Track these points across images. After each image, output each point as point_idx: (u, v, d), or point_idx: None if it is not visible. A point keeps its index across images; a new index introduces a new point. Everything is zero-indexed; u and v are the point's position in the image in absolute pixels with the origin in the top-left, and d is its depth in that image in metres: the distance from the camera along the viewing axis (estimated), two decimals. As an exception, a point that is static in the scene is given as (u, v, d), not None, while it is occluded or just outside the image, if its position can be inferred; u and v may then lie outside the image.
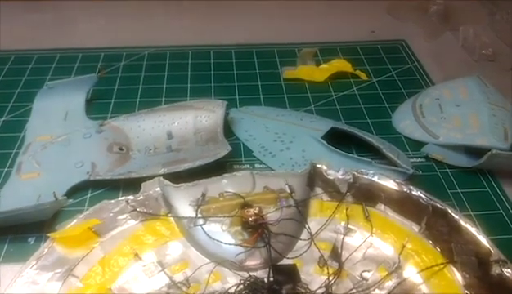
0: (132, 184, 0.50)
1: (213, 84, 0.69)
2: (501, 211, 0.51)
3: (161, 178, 0.49)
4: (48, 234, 0.44)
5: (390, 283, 0.42)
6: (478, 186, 0.54)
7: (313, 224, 0.46)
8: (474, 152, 0.55)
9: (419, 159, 0.57)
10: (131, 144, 0.57)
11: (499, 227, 0.49)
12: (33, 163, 0.54)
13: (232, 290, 0.40)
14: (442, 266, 0.42)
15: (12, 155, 0.56)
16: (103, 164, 0.54)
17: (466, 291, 0.40)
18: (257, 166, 0.56)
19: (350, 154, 0.55)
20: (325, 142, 0.55)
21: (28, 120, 0.61)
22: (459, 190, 0.53)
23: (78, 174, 0.52)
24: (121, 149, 0.56)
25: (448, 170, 0.55)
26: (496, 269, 0.41)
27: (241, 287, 0.40)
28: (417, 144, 0.59)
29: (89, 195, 0.51)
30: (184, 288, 0.41)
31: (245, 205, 0.46)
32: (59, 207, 0.48)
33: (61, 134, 0.58)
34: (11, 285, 0.40)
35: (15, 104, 0.64)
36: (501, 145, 0.53)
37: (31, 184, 0.52)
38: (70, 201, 0.50)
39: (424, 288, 0.41)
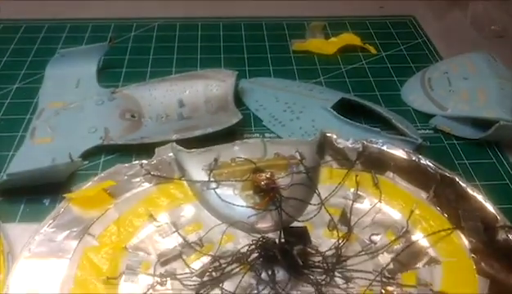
0: (144, 150, 0.51)
1: (222, 56, 0.70)
2: (507, 181, 0.52)
3: (174, 143, 0.50)
4: (64, 195, 0.45)
5: (398, 247, 0.42)
6: (485, 158, 0.54)
7: (323, 190, 0.47)
8: (481, 124, 0.55)
9: (427, 131, 0.58)
10: (143, 111, 0.58)
11: (505, 197, 0.49)
12: (46, 128, 0.55)
13: (244, 250, 0.41)
14: (449, 231, 0.43)
15: (26, 121, 0.57)
16: (116, 130, 0.54)
17: (473, 255, 0.41)
18: (267, 135, 0.56)
19: (359, 124, 0.55)
20: (334, 112, 0.56)
21: (40, 87, 0.62)
22: (466, 161, 0.54)
23: (91, 139, 0.53)
24: (133, 116, 0.57)
25: (456, 141, 0.56)
26: (501, 235, 0.42)
27: (253, 247, 0.41)
28: (425, 117, 0.59)
29: (102, 160, 0.52)
30: (197, 248, 0.42)
31: (257, 170, 0.47)
32: (74, 168, 0.49)
33: (74, 101, 0.59)
34: (30, 242, 0.41)
35: (27, 72, 0.65)
36: (509, 117, 0.53)
37: (45, 148, 0.52)
38: (86, 162, 0.51)
39: (431, 252, 0.42)
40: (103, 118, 0.56)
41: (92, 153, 0.53)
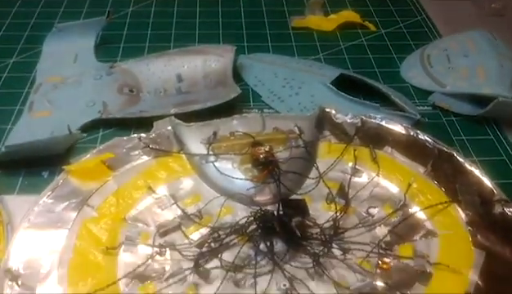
0: (143, 124, 0.51)
1: (221, 32, 0.69)
2: (504, 157, 0.52)
3: (172, 117, 0.50)
4: (63, 167, 0.45)
5: (395, 220, 0.43)
6: (483, 134, 0.54)
7: (321, 164, 0.47)
8: (480, 101, 0.55)
9: (426, 107, 0.58)
10: (141, 86, 0.57)
11: (502, 172, 0.50)
12: (44, 102, 0.55)
13: (243, 222, 0.42)
14: (446, 205, 0.43)
15: (24, 94, 0.57)
16: (114, 104, 0.54)
17: (469, 228, 0.42)
18: (265, 111, 0.56)
19: (358, 100, 0.55)
20: (333, 88, 0.56)
21: (38, 61, 0.61)
22: (464, 137, 0.54)
23: (89, 112, 0.53)
24: (131, 91, 0.57)
25: (454, 118, 0.56)
26: (498, 208, 0.43)
27: (251, 218, 0.42)
28: (424, 93, 0.59)
29: (101, 133, 0.52)
30: (196, 220, 0.42)
31: (255, 144, 0.47)
32: (73, 140, 0.49)
33: (72, 75, 0.59)
34: (29, 213, 0.41)
35: (24, 46, 0.65)
36: (507, 94, 0.53)
37: (43, 121, 0.52)
38: (84, 135, 0.51)
39: (428, 225, 0.42)
40: (101, 93, 0.56)
41: (90, 127, 0.52)
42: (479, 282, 0.38)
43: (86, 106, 0.54)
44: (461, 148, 0.52)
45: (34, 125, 0.52)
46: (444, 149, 0.47)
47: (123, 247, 0.40)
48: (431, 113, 0.57)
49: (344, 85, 0.57)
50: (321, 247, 0.41)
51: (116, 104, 0.54)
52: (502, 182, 0.47)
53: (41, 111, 0.54)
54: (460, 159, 0.47)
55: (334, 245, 0.41)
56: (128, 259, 0.39)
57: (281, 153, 0.46)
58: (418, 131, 0.49)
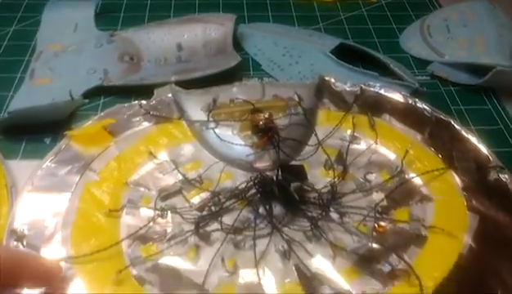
0: (143, 92, 0.51)
1: (221, 1, 0.69)
2: (501, 126, 0.52)
3: (173, 85, 0.50)
4: (65, 132, 0.45)
5: (392, 185, 0.43)
6: (480, 103, 0.55)
7: (320, 132, 0.47)
8: (479, 70, 0.56)
9: (425, 77, 0.58)
10: (141, 54, 0.57)
11: (498, 140, 0.50)
12: (45, 70, 0.55)
13: (243, 186, 0.42)
14: (442, 171, 0.44)
15: (24, 62, 0.57)
16: (115, 72, 0.55)
17: (464, 193, 0.42)
18: (265, 79, 0.56)
19: (358, 69, 0.56)
20: (333, 56, 0.56)
21: (38, 30, 0.61)
22: (461, 107, 0.54)
23: (90, 80, 0.53)
24: (132, 59, 0.57)
25: (452, 88, 0.57)
26: (493, 175, 0.43)
27: (251, 183, 0.42)
28: (423, 63, 0.60)
29: (102, 101, 0.53)
30: (197, 185, 0.43)
31: (255, 111, 0.47)
32: (75, 106, 0.50)
33: (72, 43, 0.59)
34: (32, 176, 0.42)
35: (24, 15, 0.65)
36: (505, 63, 0.54)
37: (44, 89, 0.53)
38: (86, 101, 0.51)
39: (424, 190, 0.43)
40: (102, 61, 0.56)
41: (91, 94, 0.53)
42: (473, 245, 0.39)
43: (87, 74, 0.54)
44: (459, 117, 0.53)
45: (36, 92, 0.52)
46: (442, 116, 0.48)
47: (125, 209, 0.41)
48: (430, 83, 0.57)
49: (344, 54, 0.58)
50: (319, 211, 0.41)
51: (117, 71, 0.55)
52: (498, 150, 0.48)
53: (42, 78, 0.54)
54: (458, 127, 0.47)
55: (331, 209, 0.42)
56: (130, 221, 0.40)
57: (281, 120, 0.47)
58: (416, 100, 0.50)
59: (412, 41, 0.62)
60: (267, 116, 0.46)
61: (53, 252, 0.37)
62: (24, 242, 0.38)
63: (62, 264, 0.36)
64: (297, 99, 0.49)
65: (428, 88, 0.56)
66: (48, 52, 0.57)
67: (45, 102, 0.50)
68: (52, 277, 0.34)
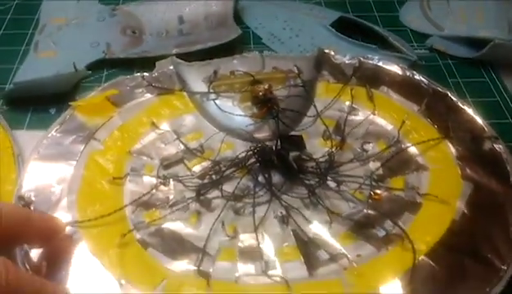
0: (145, 65, 0.52)
1: (222, -25, 0.69)
2: (498, 98, 0.53)
3: (174, 57, 0.51)
4: (69, 103, 0.46)
5: (388, 155, 0.45)
6: (478, 76, 0.56)
7: (319, 103, 0.48)
8: (477, 44, 0.56)
9: (424, 51, 0.58)
10: (143, 28, 0.58)
11: (494, 112, 0.51)
12: (49, 43, 0.56)
13: (243, 155, 0.44)
14: (437, 141, 0.45)
15: (28, 35, 0.58)
16: (117, 45, 0.56)
17: (459, 162, 0.43)
18: (265, 52, 0.57)
19: (357, 42, 0.56)
20: (333, 30, 0.57)
21: (41, 4, 0.62)
22: (459, 80, 0.55)
23: (93, 53, 0.54)
24: (134, 32, 0.58)
25: (450, 61, 0.57)
26: (487, 145, 0.44)
27: (251, 152, 0.44)
28: (422, 37, 0.60)
29: (105, 73, 0.54)
30: (198, 154, 0.44)
31: (255, 82, 0.48)
32: (79, 77, 0.51)
33: (75, 17, 0.59)
34: (38, 145, 0.43)
35: (27, -12, 0.65)
36: (503, 36, 0.54)
37: (49, 61, 0.54)
38: (89, 72, 0.52)
39: (420, 160, 0.44)
40: (105, 34, 0.57)
41: (95, 67, 0.54)
42: (465, 211, 0.40)
43: (90, 47, 0.55)
44: (456, 89, 0.53)
45: (40, 64, 0.53)
46: (439, 88, 0.49)
47: (128, 177, 0.42)
48: (428, 56, 0.58)
49: (344, 28, 0.58)
50: (317, 180, 0.43)
51: (119, 45, 0.56)
52: (494, 122, 0.48)
53: (46, 51, 0.55)
54: (454, 98, 0.48)
55: (328, 178, 0.43)
56: (133, 188, 0.41)
57: (280, 92, 0.48)
58: (414, 72, 0.50)
59: (412, 15, 0.63)
60: (266, 87, 0.47)
61: (59, 217, 0.38)
62: (32, 208, 0.39)
63: (68, 228, 0.38)
64: (296, 71, 0.50)
65: (426, 61, 0.57)
66: (51, 25, 0.58)
67: (49, 74, 0.51)
68: (56, 233, 0.36)
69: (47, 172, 0.42)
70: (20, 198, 0.39)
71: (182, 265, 0.37)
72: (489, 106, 0.52)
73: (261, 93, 0.46)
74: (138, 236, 0.38)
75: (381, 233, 0.39)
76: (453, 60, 0.57)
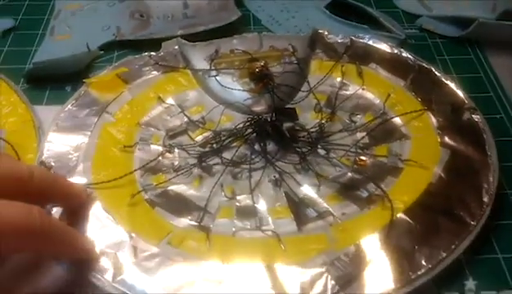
0: (153, 45, 0.56)
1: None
2: (481, 74, 0.57)
3: (179, 38, 0.55)
4: (84, 80, 0.51)
5: (374, 125, 0.48)
6: (464, 53, 0.59)
7: (312, 79, 0.52)
8: (464, 23, 0.60)
9: (414, 30, 0.62)
10: (150, 12, 0.62)
11: (477, 87, 0.55)
12: (64, 27, 0.61)
13: (240, 126, 0.48)
14: (420, 112, 0.49)
15: (45, 21, 0.63)
16: (126, 28, 0.60)
17: (439, 131, 0.47)
18: (264, 33, 0.61)
19: (350, 22, 0.60)
20: (327, 11, 0.60)
21: (56, -10, 0.67)
22: (446, 57, 0.58)
23: (105, 35, 0.59)
24: (142, 16, 0.62)
25: (439, 40, 0.61)
26: (466, 115, 0.48)
27: (248, 124, 0.48)
28: (413, 18, 0.64)
29: (116, 54, 0.58)
30: (200, 125, 0.49)
31: (253, 60, 0.52)
32: (92, 57, 0.56)
33: (88, 3, 0.64)
34: (56, 118, 0.48)
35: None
36: (488, 16, 0.58)
37: (64, 44, 0.58)
38: (101, 52, 0.57)
39: (403, 130, 0.48)
40: (115, 18, 0.61)
41: (106, 48, 0.58)
42: (442, 175, 0.44)
43: (102, 30, 0.60)
44: (443, 66, 0.57)
45: (56, 47, 0.58)
46: (424, 64, 0.52)
47: (137, 146, 0.46)
48: (418, 36, 0.61)
49: (338, 9, 0.62)
50: (308, 148, 0.47)
51: (128, 28, 0.60)
52: (477, 95, 0.52)
53: (61, 35, 0.60)
54: (438, 74, 0.52)
55: (319, 146, 0.47)
56: (142, 156, 0.46)
57: (276, 69, 0.52)
58: (402, 49, 0.54)
59: (403, -4, 0.66)
60: (262, 64, 0.51)
61: (77, 180, 0.43)
62: (52, 172, 0.44)
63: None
64: (291, 49, 0.54)
65: (416, 40, 0.60)
66: (66, 11, 0.63)
67: (65, 55, 0.55)
68: (79, 196, 0.41)
69: (64, 142, 0.46)
70: (42, 163, 0.44)
71: (185, 222, 0.41)
72: (473, 81, 0.55)
73: (257, 70, 0.51)
74: (146, 196, 0.43)
75: (364, 194, 0.43)
76: (441, 38, 0.61)
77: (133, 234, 0.40)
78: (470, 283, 0.40)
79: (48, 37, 0.60)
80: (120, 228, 0.40)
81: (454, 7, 0.61)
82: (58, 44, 0.58)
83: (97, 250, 0.38)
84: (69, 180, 0.43)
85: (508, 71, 0.57)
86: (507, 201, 0.45)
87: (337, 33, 0.56)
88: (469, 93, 0.51)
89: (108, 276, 0.37)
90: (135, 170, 0.44)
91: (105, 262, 0.38)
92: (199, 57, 0.53)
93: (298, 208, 0.43)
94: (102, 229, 0.40)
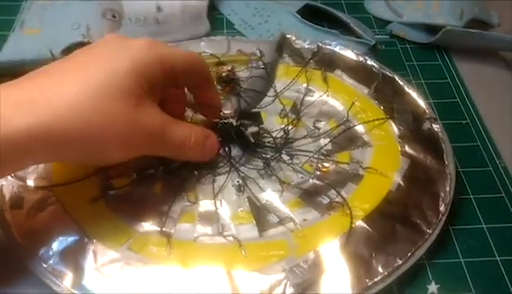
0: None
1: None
2: (448, 80, 0.58)
3: (148, 39, 0.55)
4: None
5: (337, 132, 0.49)
6: (432, 60, 0.60)
7: (279, 84, 0.53)
8: (433, 30, 0.61)
9: (384, 36, 0.63)
10: (123, 12, 0.62)
11: (444, 92, 0.56)
12: (35, 21, 0.60)
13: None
14: (382, 121, 0.50)
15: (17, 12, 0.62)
16: (97, 28, 0.59)
17: (399, 140, 0.48)
18: (237, 37, 0.61)
19: (321, 27, 0.61)
20: (299, 16, 0.61)
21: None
22: (415, 63, 0.60)
23: (74, 35, 0.58)
24: (114, 17, 0.61)
25: (408, 46, 0.62)
26: (426, 125, 0.49)
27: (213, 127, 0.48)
28: (384, 24, 0.65)
29: (83, 55, 0.58)
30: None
31: (220, 63, 0.53)
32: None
33: (60, -3, 0.63)
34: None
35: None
36: (456, 23, 0.59)
37: (33, 39, 0.57)
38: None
39: (365, 137, 0.49)
40: (86, 16, 0.61)
41: (73, 49, 0.57)
42: (401, 183, 0.45)
43: (71, 29, 0.59)
44: (411, 71, 0.58)
45: (24, 42, 0.57)
46: (388, 73, 0.53)
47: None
48: (388, 42, 0.62)
49: (311, 14, 0.63)
50: (273, 153, 0.47)
51: (99, 28, 0.59)
52: (443, 101, 0.54)
53: (32, 28, 0.59)
54: (401, 83, 0.53)
55: (283, 152, 0.48)
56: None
57: (243, 73, 0.53)
58: (367, 57, 0.55)
59: (375, 3, 0.67)
60: (229, 68, 0.52)
61: (36, 182, 0.43)
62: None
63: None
64: (259, 54, 0.54)
65: (386, 46, 0.61)
66: (38, 4, 0.62)
67: (32, 52, 0.55)
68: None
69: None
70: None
71: (147, 226, 0.42)
72: (439, 87, 0.57)
73: (224, 74, 0.51)
74: (108, 200, 0.43)
75: (325, 200, 0.44)
76: (411, 44, 0.62)
77: (94, 239, 0.40)
78: (433, 287, 0.41)
79: (18, 29, 0.59)
80: (81, 232, 0.40)
81: (423, 14, 0.62)
82: (26, 39, 0.58)
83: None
84: None
85: (474, 77, 0.59)
86: (470, 206, 0.46)
87: (304, 39, 0.56)
88: (437, 99, 0.52)
89: (67, 282, 0.37)
90: (96, 172, 0.44)
91: (64, 267, 0.38)
92: (166, 59, 0.53)
93: (261, 214, 0.43)
94: (62, 233, 0.40)
